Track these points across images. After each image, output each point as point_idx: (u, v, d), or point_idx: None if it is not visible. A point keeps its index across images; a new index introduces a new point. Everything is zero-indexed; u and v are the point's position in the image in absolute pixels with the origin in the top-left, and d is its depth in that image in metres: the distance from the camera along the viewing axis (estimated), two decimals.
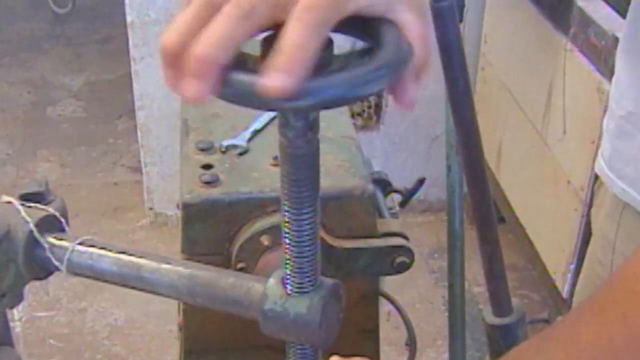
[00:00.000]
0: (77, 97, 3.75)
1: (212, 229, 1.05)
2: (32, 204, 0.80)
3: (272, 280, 0.69)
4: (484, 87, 2.68)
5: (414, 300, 2.63)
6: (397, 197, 1.36)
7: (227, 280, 0.73)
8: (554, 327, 0.84)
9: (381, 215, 1.16)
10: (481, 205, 0.86)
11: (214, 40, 0.53)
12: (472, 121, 0.80)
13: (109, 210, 3.07)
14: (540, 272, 2.38)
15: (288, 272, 0.67)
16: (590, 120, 1.95)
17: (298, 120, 0.59)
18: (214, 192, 1.05)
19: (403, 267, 1.07)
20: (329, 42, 0.56)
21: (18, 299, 0.81)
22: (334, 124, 1.19)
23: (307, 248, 0.66)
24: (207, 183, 1.06)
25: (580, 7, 2.03)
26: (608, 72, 1.88)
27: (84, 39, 4.21)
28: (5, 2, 4.53)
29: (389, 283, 1.24)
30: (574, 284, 1.80)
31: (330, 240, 1.04)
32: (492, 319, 0.91)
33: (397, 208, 1.30)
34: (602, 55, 1.92)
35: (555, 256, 2.22)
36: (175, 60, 0.55)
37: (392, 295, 1.30)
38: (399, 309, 1.30)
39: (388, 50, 0.57)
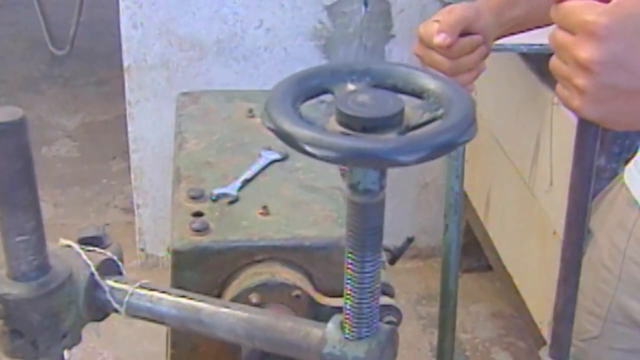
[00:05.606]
0: (73, 138, 3.78)
1: (202, 276, 1.07)
2: (90, 248, 0.83)
3: (331, 325, 0.72)
4: (474, 138, 2.71)
5: (401, 346, 2.60)
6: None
7: (285, 324, 0.76)
8: None
9: None
10: (574, 247, 0.88)
11: None
12: (590, 166, 0.84)
13: None
14: (526, 320, 2.40)
15: (348, 317, 0.70)
16: None
17: (376, 172, 0.64)
18: (204, 240, 1.08)
19: None
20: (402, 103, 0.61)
21: (77, 339, 0.84)
22: (323, 174, 1.22)
23: (368, 294, 0.68)
24: (197, 231, 1.09)
25: None
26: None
27: (81, 80, 4.25)
28: (4, 43, 4.58)
29: None
30: None
31: (318, 298, 1.06)
32: None
33: (387, 265, 1.32)
34: None
35: (541, 305, 2.24)
36: None
37: None
38: None
39: (464, 98, 0.62)
